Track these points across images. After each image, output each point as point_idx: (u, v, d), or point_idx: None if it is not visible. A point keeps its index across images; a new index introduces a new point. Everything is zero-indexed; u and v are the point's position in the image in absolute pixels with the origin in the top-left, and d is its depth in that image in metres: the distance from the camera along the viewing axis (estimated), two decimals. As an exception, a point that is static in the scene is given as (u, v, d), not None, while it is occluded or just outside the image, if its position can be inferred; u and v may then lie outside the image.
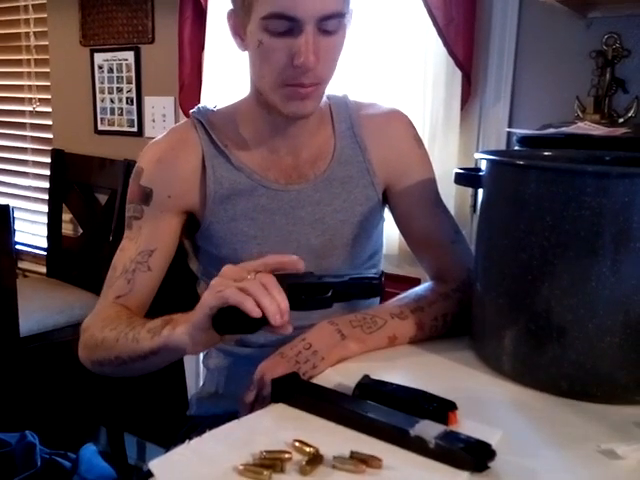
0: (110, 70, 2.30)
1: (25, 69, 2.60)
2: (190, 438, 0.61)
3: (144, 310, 0.95)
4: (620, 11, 1.38)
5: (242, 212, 0.96)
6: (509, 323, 0.77)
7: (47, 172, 2.44)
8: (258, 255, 0.77)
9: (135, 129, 2.27)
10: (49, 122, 2.55)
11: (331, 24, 0.84)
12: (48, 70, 2.51)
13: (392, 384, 0.70)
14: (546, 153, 0.92)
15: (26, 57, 2.58)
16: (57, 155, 2.40)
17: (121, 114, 2.30)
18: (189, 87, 1.95)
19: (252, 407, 0.76)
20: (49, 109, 2.54)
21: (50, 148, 2.45)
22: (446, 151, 1.59)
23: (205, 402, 1.10)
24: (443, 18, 1.51)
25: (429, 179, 1.03)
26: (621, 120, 1.37)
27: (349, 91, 1.06)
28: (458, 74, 1.56)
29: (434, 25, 1.52)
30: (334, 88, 0.97)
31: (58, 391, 2.16)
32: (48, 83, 2.52)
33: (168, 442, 0.88)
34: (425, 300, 0.91)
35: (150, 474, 0.57)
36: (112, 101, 2.32)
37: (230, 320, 0.71)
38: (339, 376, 0.77)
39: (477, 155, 0.85)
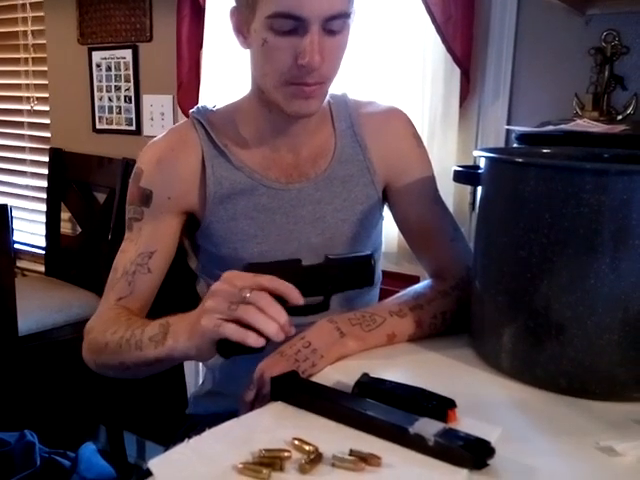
0: (108, 68, 2.30)
1: (23, 68, 2.59)
2: (189, 437, 0.61)
3: (145, 311, 0.96)
4: (619, 8, 1.38)
5: (242, 211, 0.96)
6: (508, 320, 0.77)
7: (45, 171, 2.43)
8: (259, 257, 0.77)
9: (133, 127, 2.27)
10: (47, 121, 2.54)
11: (336, 24, 0.83)
12: (46, 69, 2.50)
13: (391, 382, 0.70)
14: (545, 150, 0.92)
15: (24, 56, 2.57)
16: (55, 154, 2.40)
17: (119, 112, 2.30)
18: (187, 85, 1.95)
19: (252, 406, 0.76)
20: (47, 108, 2.53)
21: (48, 147, 2.45)
22: (445, 149, 1.59)
23: (204, 401, 1.10)
24: (441, 15, 1.51)
25: (428, 177, 1.03)
26: (620, 117, 1.37)
27: (347, 89, 1.06)
28: (457, 71, 1.56)
29: (432, 22, 1.52)
30: (333, 86, 0.97)
31: (57, 390, 2.16)
32: (46, 82, 2.51)
33: (167, 441, 0.88)
34: (424, 298, 0.91)
35: (149, 473, 0.56)
36: (110, 99, 2.32)
37: (234, 346, 0.71)
38: (338, 374, 0.77)
39: (476, 153, 0.85)
